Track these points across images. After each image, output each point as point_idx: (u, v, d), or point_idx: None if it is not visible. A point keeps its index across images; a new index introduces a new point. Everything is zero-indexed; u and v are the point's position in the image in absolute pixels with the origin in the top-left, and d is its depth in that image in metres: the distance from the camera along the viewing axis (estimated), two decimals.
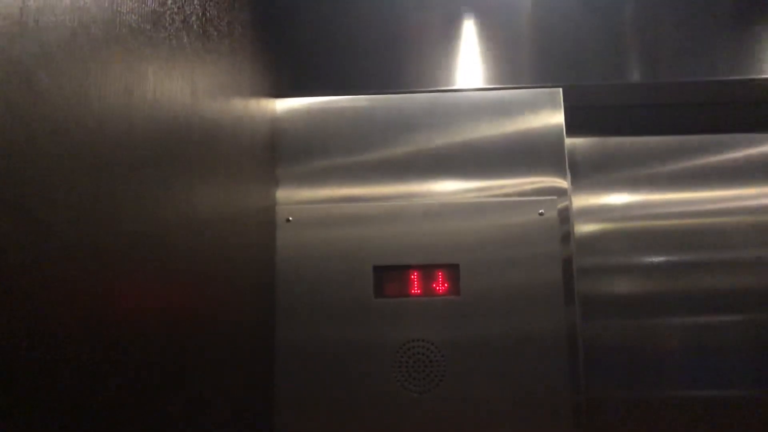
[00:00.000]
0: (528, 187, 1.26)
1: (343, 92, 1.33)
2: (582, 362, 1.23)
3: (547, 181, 1.27)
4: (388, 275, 1.23)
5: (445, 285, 1.22)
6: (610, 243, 1.36)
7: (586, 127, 1.41)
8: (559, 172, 1.27)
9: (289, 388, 1.19)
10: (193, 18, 0.81)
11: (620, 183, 1.39)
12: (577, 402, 1.17)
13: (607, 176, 1.40)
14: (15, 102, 0.45)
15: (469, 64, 1.35)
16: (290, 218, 1.26)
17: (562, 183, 1.26)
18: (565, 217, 1.25)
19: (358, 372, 1.20)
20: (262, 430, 1.13)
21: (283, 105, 1.32)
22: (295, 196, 1.28)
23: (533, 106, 1.30)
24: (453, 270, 1.22)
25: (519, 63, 1.35)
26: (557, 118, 1.29)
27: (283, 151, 1.30)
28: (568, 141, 1.32)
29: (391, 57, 1.36)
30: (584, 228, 1.37)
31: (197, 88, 0.82)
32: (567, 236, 1.24)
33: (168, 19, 0.73)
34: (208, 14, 0.87)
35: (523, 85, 1.32)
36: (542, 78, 1.33)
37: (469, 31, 1.37)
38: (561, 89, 1.30)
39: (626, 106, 1.43)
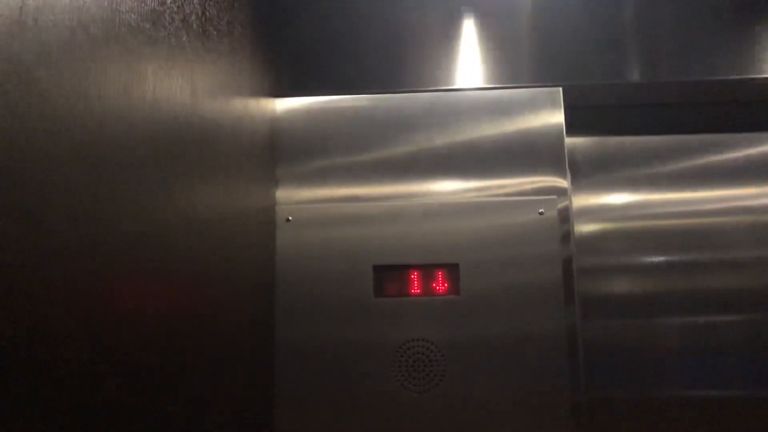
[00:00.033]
0: (528, 187, 1.26)
1: (343, 92, 1.33)
2: (582, 362, 1.23)
3: (547, 180, 1.26)
4: (388, 275, 1.23)
5: (445, 285, 1.22)
6: (610, 243, 1.36)
7: (586, 126, 1.41)
8: (559, 171, 1.27)
9: (289, 388, 1.19)
10: (193, 17, 0.81)
11: (620, 183, 1.39)
12: (577, 402, 1.17)
13: (607, 176, 1.40)
14: (14, 101, 0.45)
15: (469, 63, 1.35)
16: (290, 218, 1.26)
17: (562, 182, 1.26)
18: (565, 216, 1.24)
19: (358, 371, 1.19)
20: (262, 430, 1.13)
21: (283, 105, 1.32)
22: (295, 196, 1.28)
23: (533, 106, 1.29)
24: (453, 270, 1.22)
25: (519, 62, 1.35)
26: (557, 117, 1.29)
27: (283, 151, 1.30)
28: (568, 140, 1.31)
29: (391, 56, 1.35)
30: (584, 228, 1.37)
31: (197, 88, 0.82)
32: (567, 236, 1.24)
33: (167, 18, 0.73)
34: (207, 13, 0.86)
35: (523, 85, 1.32)
36: (542, 77, 1.33)
37: (469, 30, 1.37)
38: (561, 89, 1.30)
39: (626, 106, 1.43)
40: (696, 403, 1.29)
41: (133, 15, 0.64)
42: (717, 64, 1.32)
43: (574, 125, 1.36)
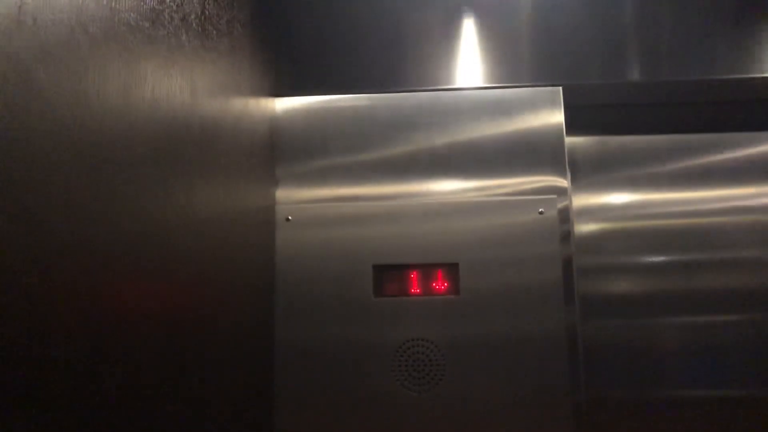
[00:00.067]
0: (528, 187, 1.26)
1: (343, 91, 1.32)
2: (582, 362, 1.23)
3: (546, 180, 1.26)
4: (388, 274, 1.23)
5: (445, 284, 1.22)
6: (610, 242, 1.36)
7: (586, 126, 1.41)
8: (558, 171, 1.27)
9: (288, 388, 1.19)
10: (192, 16, 0.81)
11: (620, 182, 1.39)
12: (577, 402, 1.17)
13: (607, 175, 1.40)
14: (13, 100, 0.45)
15: (469, 63, 1.35)
16: (290, 217, 1.26)
17: (562, 182, 1.26)
18: (565, 216, 1.24)
19: (357, 371, 1.19)
20: (262, 430, 1.13)
21: (283, 104, 1.32)
22: (294, 196, 1.28)
23: (533, 105, 1.29)
24: (452, 269, 1.22)
25: (519, 62, 1.35)
26: (557, 117, 1.29)
27: (283, 151, 1.30)
28: (568, 140, 1.31)
29: (391, 56, 1.35)
30: (584, 227, 1.37)
31: (196, 87, 0.82)
32: (567, 236, 1.24)
33: (167, 17, 0.72)
34: (207, 12, 0.86)
35: (523, 84, 1.32)
36: (542, 77, 1.33)
37: (469, 29, 1.36)
38: (561, 88, 1.30)
39: (626, 105, 1.43)
40: (696, 403, 1.29)
41: (132, 14, 0.64)
42: (717, 64, 1.32)
43: (574, 125, 1.36)
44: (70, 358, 0.52)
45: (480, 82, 1.33)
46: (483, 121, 1.29)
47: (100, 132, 0.57)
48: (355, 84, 1.34)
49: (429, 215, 1.25)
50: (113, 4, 0.60)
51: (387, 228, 1.25)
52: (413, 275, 1.23)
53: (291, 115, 1.32)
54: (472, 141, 1.29)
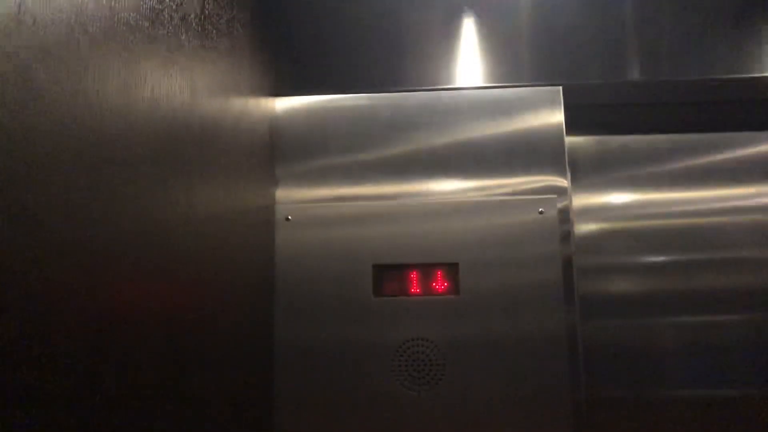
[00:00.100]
0: (528, 186, 1.26)
1: (343, 91, 1.32)
2: (581, 361, 1.23)
3: (547, 180, 1.26)
4: (388, 274, 1.23)
5: (445, 284, 1.22)
6: (610, 242, 1.36)
7: (586, 125, 1.41)
8: (559, 171, 1.27)
9: (288, 387, 1.19)
10: (192, 16, 0.81)
11: (620, 182, 1.39)
12: (577, 401, 1.17)
13: (607, 175, 1.39)
14: (12, 99, 0.45)
15: (468, 62, 1.35)
16: (289, 217, 1.26)
17: (562, 182, 1.26)
18: (565, 216, 1.24)
19: (357, 371, 1.19)
20: (262, 429, 1.13)
21: (283, 104, 1.32)
22: (294, 195, 1.28)
23: (533, 105, 1.29)
24: (452, 269, 1.22)
25: (519, 61, 1.35)
26: (557, 116, 1.29)
27: (283, 150, 1.30)
28: (568, 140, 1.31)
29: (391, 55, 1.35)
30: (584, 227, 1.36)
31: (196, 87, 0.82)
32: (567, 236, 1.24)
33: (166, 16, 0.72)
34: (206, 12, 0.86)
35: (523, 84, 1.32)
36: (542, 76, 1.33)
37: (469, 29, 1.36)
38: (561, 88, 1.30)
39: (626, 105, 1.43)
40: (696, 403, 1.29)
41: (131, 13, 0.63)
42: (718, 63, 1.32)
43: (574, 124, 1.36)
44: (70, 358, 0.52)
45: (480, 81, 1.33)
46: (483, 121, 1.29)
47: (100, 131, 0.57)
48: (355, 84, 1.34)
49: (429, 215, 1.25)
50: (113, 3, 0.60)
51: (387, 228, 1.25)
52: (413, 275, 1.23)
53: (291, 115, 1.31)
54: (472, 141, 1.29)
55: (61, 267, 0.51)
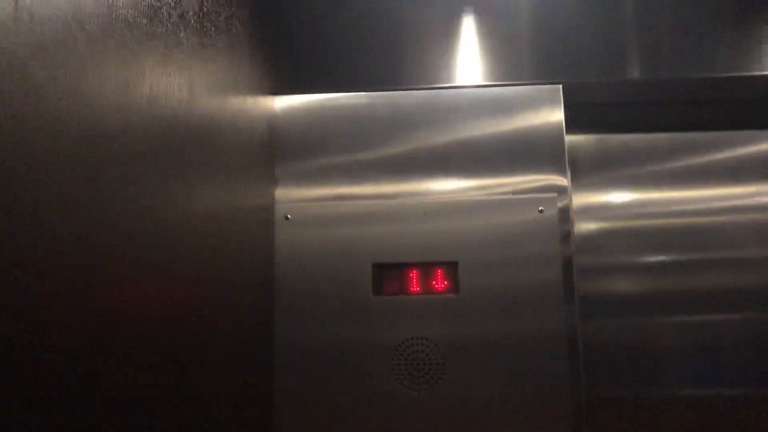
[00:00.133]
0: (528, 185, 1.26)
1: (343, 89, 1.32)
2: (582, 361, 1.23)
3: (547, 179, 1.26)
4: (387, 273, 1.23)
5: (444, 283, 1.22)
6: (610, 241, 1.35)
7: (586, 124, 1.41)
8: (559, 169, 1.26)
9: (288, 386, 1.19)
10: (190, 13, 0.80)
11: (620, 181, 1.39)
12: (577, 401, 1.17)
13: (607, 174, 1.39)
14: (9, 96, 0.45)
15: (468, 60, 1.34)
16: (289, 216, 1.26)
17: (562, 181, 1.26)
18: (565, 215, 1.24)
19: (357, 370, 1.19)
20: (262, 428, 1.13)
21: (282, 102, 1.31)
22: (293, 194, 1.28)
23: (533, 103, 1.29)
24: (452, 268, 1.22)
25: (519, 60, 1.34)
26: (557, 115, 1.28)
27: (282, 149, 1.29)
28: (568, 138, 1.31)
29: (391, 54, 1.35)
30: (584, 226, 1.36)
31: (194, 85, 0.81)
32: (567, 235, 1.23)
33: (165, 14, 0.72)
34: (205, 9, 0.86)
35: (523, 82, 1.31)
36: (542, 75, 1.32)
37: (468, 27, 1.36)
38: (561, 86, 1.30)
39: (626, 103, 1.43)
40: (696, 403, 1.29)
41: (129, 10, 0.63)
42: (718, 61, 1.32)
43: (574, 123, 1.35)
44: (68, 358, 0.51)
45: (480, 80, 1.33)
46: (483, 120, 1.29)
47: (98, 129, 0.57)
48: (354, 82, 1.33)
49: (428, 214, 1.24)
50: (111, 0, 0.59)
51: (386, 227, 1.24)
52: (413, 274, 1.22)
53: (290, 114, 1.31)
54: (471, 139, 1.28)
55: (59, 266, 0.50)
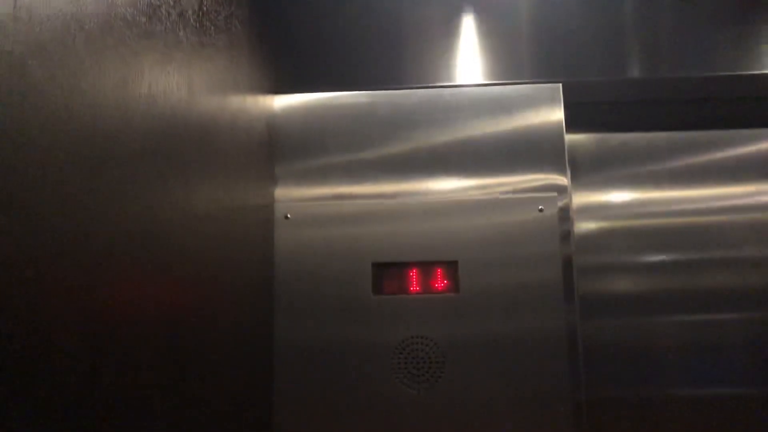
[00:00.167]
0: (528, 185, 1.26)
1: (342, 88, 1.32)
2: (582, 361, 1.22)
3: (546, 178, 1.26)
4: (387, 272, 1.23)
5: (444, 282, 1.22)
6: (610, 241, 1.35)
7: (586, 123, 1.40)
8: (558, 168, 1.26)
9: (288, 386, 1.19)
10: (190, 12, 0.80)
11: (620, 180, 1.38)
12: (577, 400, 1.17)
13: (607, 173, 1.39)
14: (8, 94, 0.44)
15: (468, 59, 1.34)
16: (289, 215, 1.25)
17: (562, 180, 1.26)
18: (565, 214, 1.24)
19: (357, 369, 1.19)
20: (262, 428, 1.13)
21: (282, 102, 1.31)
22: (293, 194, 1.28)
23: (533, 102, 1.29)
24: (452, 267, 1.22)
25: (519, 58, 1.34)
26: (557, 114, 1.28)
27: (282, 148, 1.29)
28: (568, 137, 1.31)
29: (391, 52, 1.35)
30: (584, 226, 1.36)
31: (193, 84, 0.81)
32: (567, 234, 1.23)
33: (164, 12, 0.72)
34: (204, 8, 0.86)
35: (523, 81, 1.31)
36: (542, 73, 1.32)
37: (468, 26, 1.36)
38: (561, 85, 1.29)
39: (626, 102, 1.42)
40: (697, 402, 1.28)
41: (128, 9, 0.63)
42: (718, 60, 1.32)
43: (574, 122, 1.35)
44: (68, 358, 0.51)
45: (480, 79, 1.33)
46: (483, 119, 1.29)
47: (97, 128, 0.57)
48: (354, 81, 1.33)
49: (428, 213, 1.24)
50: None
51: (386, 226, 1.24)
52: (412, 273, 1.22)
53: (290, 113, 1.31)
54: (472, 138, 1.28)
55: (57, 265, 0.50)
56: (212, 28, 0.89)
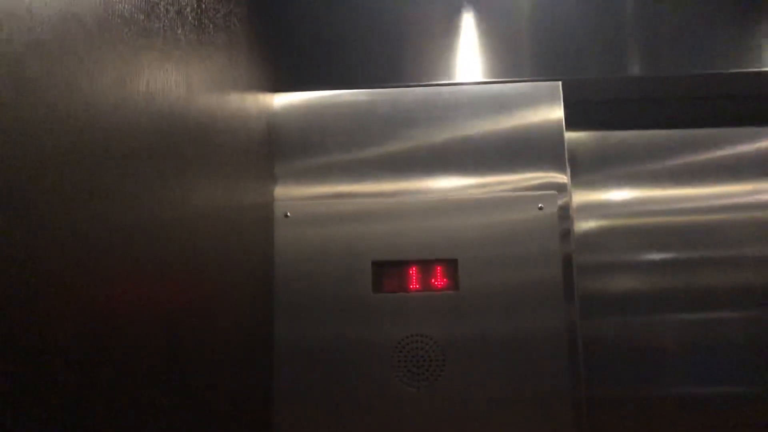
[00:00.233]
0: (527, 183, 1.26)
1: (342, 86, 1.32)
2: (581, 359, 1.22)
3: (546, 176, 1.26)
4: (387, 271, 1.23)
5: (444, 280, 1.22)
6: (610, 239, 1.35)
7: (586, 121, 1.40)
8: (558, 167, 1.26)
9: (287, 385, 1.19)
10: (188, 9, 0.80)
11: (620, 178, 1.38)
12: (577, 399, 1.17)
13: (607, 171, 1.39)
14: (5, 92, 0.44)
15: (468, 57, 1.34)
16: (288, 214, 1.25)
17: (562, 178, 1.25)
18: (565, 212, 1.24)
19: (356, 367, 1.19)
20: (261, 426, 1.13)
21: (281, 100, 1.31)
22: (293, 192, 1.27)
23: (533, 100, 1.29)
24: (451, 265, 1.22)
25: (518, 56, 1.34)
26: (557, 112, 1.28)
27: (281, 147, 1.29)
28: (568, 135, 1.31)
29: (390, 50, 1.35)
30: (584, 224, 1.36)
31: (192, 81, 0.81)
32: (567, 233, 1.23)
33: (162, 9, 0.72)
34: (203, 6, 0.85)
35: (523, 79, 1.31)
36: (542, 71, 1.32)
37: (468, 24, 1.36)
38: (560, 83, 1.29)
39: (626, 100, 1.42)
40: (697, 401, 1.28)
41: (126, 6, 0.63)
42: (718, 58, 1.31)
43: (574, 120, 1.35)
44: (66, 357, 0.51)
45: (479, 76, 1.33)
46: (482, 117, 1.29)
47: (95, 125, 0.57)
48: (354, 79, 1.33)
49: (428, 212, 1.24)
50: None
51: (386, 224, 1.24)
52: (412, 271, 1.22)
53: (289, 111, 1.31)
54: (471, 136, 1.28)
55: (54, 264, 0.50)
56: (211, 26, 0.89)
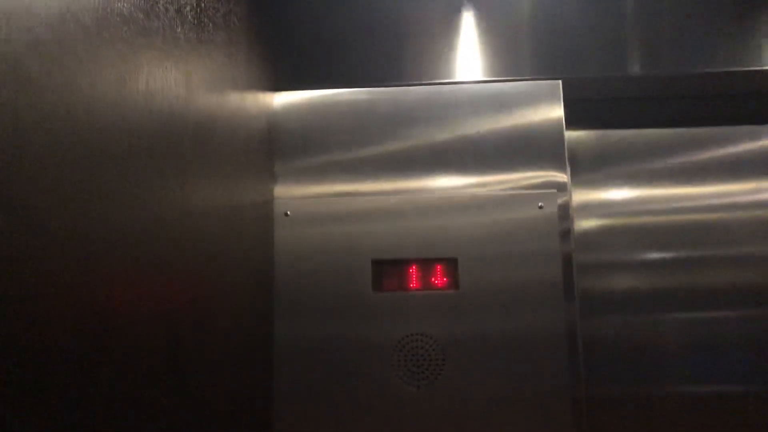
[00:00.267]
0: (527, 182, 1.25)
1: (342, 85, 1.32)
2: (581, 358, 1.22)
3: (546, 175, 1.26)
4: (387, 269, 1.23)
5: (444, 279, 1.21)
6: (610, 238, 1.35)
7: (586, 120, 1.40)
8: (558, 165, 1.26)
9: (287, 384, 1.19)
10: (188, 8, 0.80)
11: (620, 177, 1.38)
12: (576, 398, 1.17)
13: (607, 170, 1.39)
14: (3, 91, 0.44)
15: (468, 56, 1.34)
16: (288, 213, 1.25)
17: (562, 177, 1.25)
18: (565, 211, 1.24)
19: (356, 366, 1.19)
20: (261, 426, 1.13)
21: (281, 99, 1.31)
22: (293, 191, 1.27)
23: (533, 99, 1.28)
24: (451, 264, 1.22)
25: (518, 55, 1.34)
26: (557, 110, 1.28)
27: (281, 146, 1.29)
28: (568, 134, 1.31)
29: (390, 49, 1.34)
30: (584, 223, 1.36)
31: (192, 80, 0.81)
32: (567, 231, 1.23)
33: (161, 8, 0.71)
34: (203, 4, 0.85)
35: (523, 78, 1.31)
36: (542, 70, 1.32)
37: (468, 23, 1.35)
38: (560, 82, 1.29)
39: (626, 99, 1.42)
40: (697, 401, 1.28)
41: (125, 4, 0.63)
42: (718, 56, 1.31)
43: (574, 118, 1.35)
44: (66, 357, 0.51)
45: (479, 75, 1.33)
46: (482, 116, 1.28)
47: (94, 124, 0.56)
48: (354, 78, 1.33)
49: (428, 211, 1.24)
50: None
51: (386, 223, 1.24)
52: (412, 270, 1.22)
53: (289, 110, 1.31)
54: (471, 135, 1.28)
55: (54, 263, 0.50)
56: (210, 24, 0.89)
